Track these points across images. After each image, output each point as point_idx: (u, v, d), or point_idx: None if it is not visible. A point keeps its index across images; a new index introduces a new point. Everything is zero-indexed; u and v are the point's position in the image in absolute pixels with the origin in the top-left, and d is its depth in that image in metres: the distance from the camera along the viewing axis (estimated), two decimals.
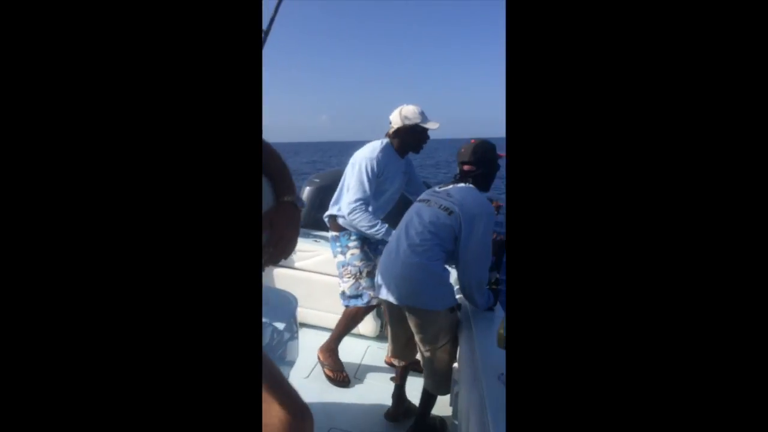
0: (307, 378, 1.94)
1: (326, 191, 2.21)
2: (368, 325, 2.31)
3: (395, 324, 1.61)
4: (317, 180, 2.51)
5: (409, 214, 1.56)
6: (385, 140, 1.93)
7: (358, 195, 1.82)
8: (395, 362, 1.71)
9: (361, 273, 1.89)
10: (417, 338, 1.51)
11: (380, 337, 2.35)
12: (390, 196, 2.01)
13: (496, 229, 1.52)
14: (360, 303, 1.90)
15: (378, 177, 1.86)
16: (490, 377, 1.11)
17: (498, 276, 1.64)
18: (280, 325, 1.26)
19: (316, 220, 2.25)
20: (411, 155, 2.02)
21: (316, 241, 2.31)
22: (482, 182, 1.54)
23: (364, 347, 2.25)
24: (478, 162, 1.52)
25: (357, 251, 1.90)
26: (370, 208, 1.85)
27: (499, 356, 1.16)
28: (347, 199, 1.85)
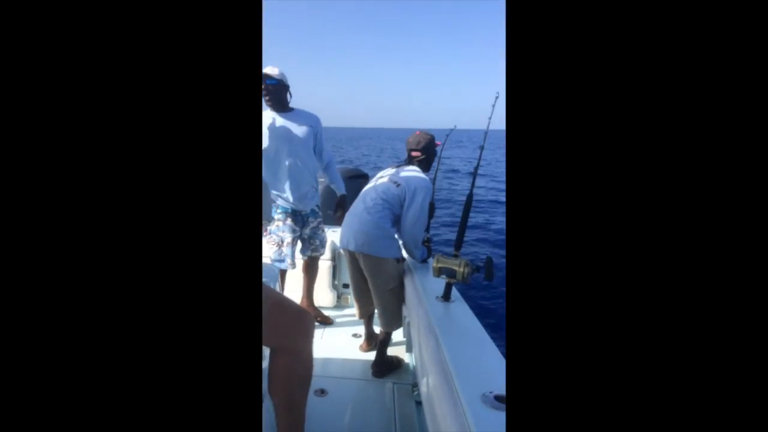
0: None
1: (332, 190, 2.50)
2: (326, 296, 2.69)
3: (354, 273, 2.05)
4: (323, 180, 2.76)
5: (368, 186, 2.04)
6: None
7: None
8: (357, 316, 2.14)
9: (282, 242, 2.20)
10: (370, 284, 1.96)
11: (338, 306, 2.74)
12: (286, 154, 2.09)
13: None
14: (282, 267, 2.20)
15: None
16: (430, 297, 1.56)
17: (428, 236, 2.11)
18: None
19: (326, 216, 2.52)
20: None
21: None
22: (425, 164, 2.03)
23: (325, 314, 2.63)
24: (422, 149, 2.02)
25: (280, 223, 2.20)
26: None
27: (435, 283, 1.62)
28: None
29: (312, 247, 2.38)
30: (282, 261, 2.20)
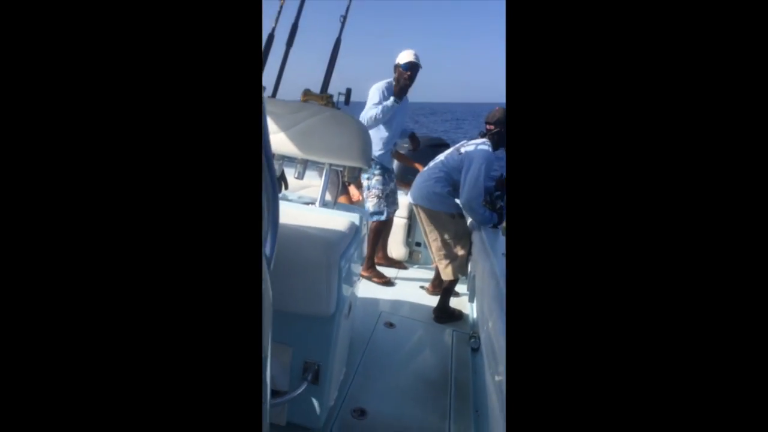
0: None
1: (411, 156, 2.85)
2: (400, 251, 2.96)
3: (421, 225, 2.35)
4: (401, 150, 3.08)
5: (439, 154, 2.31)
6: (390, 79, 2.50)
7: (369, 110, 2.42)
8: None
9: (382, 194, 2.54)
10: (430, 235, 2.24)
11: (409, 261, 3.01)
12: (397, 124, 2.55)
13: (498, 171, 2.23)
14: (381, 218, 2.54)
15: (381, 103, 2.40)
16: (497, 253, 1.74)
17: (501, 204, 2.28)
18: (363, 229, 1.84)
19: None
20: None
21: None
22: (497, 138, 2.21)
23: (396, 270, 2.91)
24: (496, 123, 2.21)
25: (380, 177, 2.53)
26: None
27: (501, 241, 1.79)
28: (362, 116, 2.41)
29: (395, 201, 2.68)
30: (381, 213, 2.53)
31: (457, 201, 2.21)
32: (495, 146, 2.18)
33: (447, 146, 3.27)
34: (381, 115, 2.38)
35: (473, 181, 2.10)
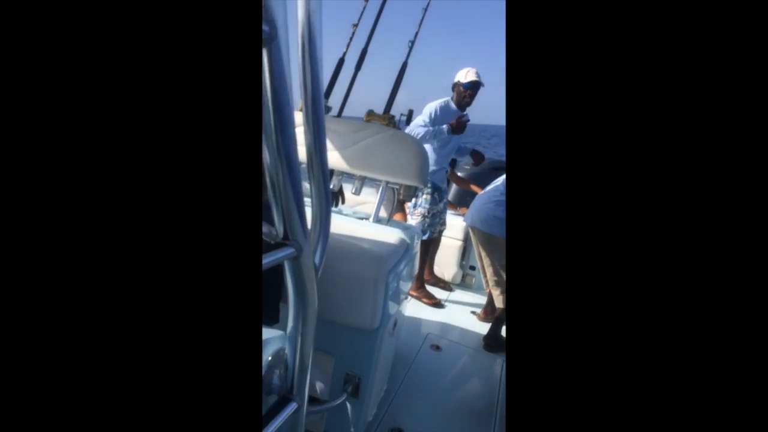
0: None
1: (471, 177, 2.86)
2: (452, 272, 2.92)
3: (476, 248, 2.31)
4: (461, 173, 3.10)
5: (499, 177, 2.27)
6: (448, 97, 2.49)
7: (414, 127, 2.39)
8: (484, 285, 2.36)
9: (428, 213, 2.50)
10: (485, 260, 2.18)
11: (462, 285, 2.94)
12: (453, 142, 2.48)
13: None
14: (425, 237, 2.51)
15: (432, 123, 2.37)
16: None
17: None
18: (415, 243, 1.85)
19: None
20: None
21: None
22: None
23: (447, 292, 2.86)
24: None
25: (428, 197, 2.50)
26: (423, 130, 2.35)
27: None
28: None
29: (441, 221, 2.64)
30: (425, 232, 2.50)
31: None
32: None
33: None
34: (427, 138, 2.33)
35: None
